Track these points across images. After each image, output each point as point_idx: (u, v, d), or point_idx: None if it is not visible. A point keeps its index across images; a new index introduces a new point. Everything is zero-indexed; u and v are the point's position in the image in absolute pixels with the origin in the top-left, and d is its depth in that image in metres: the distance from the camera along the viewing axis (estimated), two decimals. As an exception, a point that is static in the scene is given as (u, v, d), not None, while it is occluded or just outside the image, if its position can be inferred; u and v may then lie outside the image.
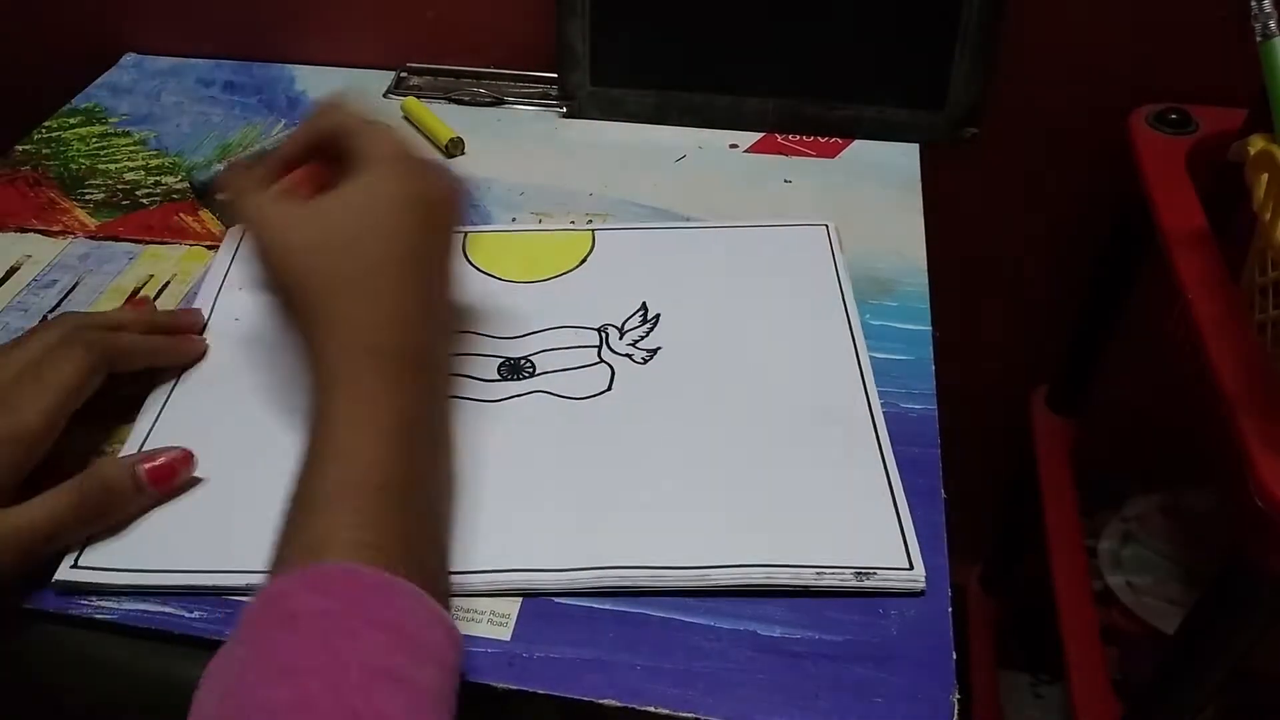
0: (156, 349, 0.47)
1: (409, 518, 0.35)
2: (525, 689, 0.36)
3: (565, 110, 0.69)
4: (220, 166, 0.62)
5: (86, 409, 0.42)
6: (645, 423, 0.45)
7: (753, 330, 0.50)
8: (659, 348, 0.49)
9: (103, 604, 0.39)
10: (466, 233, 0.56)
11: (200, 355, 0.49)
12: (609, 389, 0.47)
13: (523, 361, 0.49)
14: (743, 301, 0.52)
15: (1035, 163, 0.72)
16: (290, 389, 0.46)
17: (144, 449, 0.44)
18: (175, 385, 0.47)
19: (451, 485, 0.41)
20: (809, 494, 0.42)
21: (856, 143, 0.65)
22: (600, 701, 0.36)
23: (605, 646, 0.37)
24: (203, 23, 0.76)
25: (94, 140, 0.68)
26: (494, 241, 0.56)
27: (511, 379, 0.48)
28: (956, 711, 0.35)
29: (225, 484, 0.43)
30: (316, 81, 0.73)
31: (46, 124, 0.69)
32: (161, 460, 0.41)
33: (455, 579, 0.38)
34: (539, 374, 0.48)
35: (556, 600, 0.39)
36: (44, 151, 0.66)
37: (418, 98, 0.70)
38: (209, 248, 0.58)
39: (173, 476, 0.41)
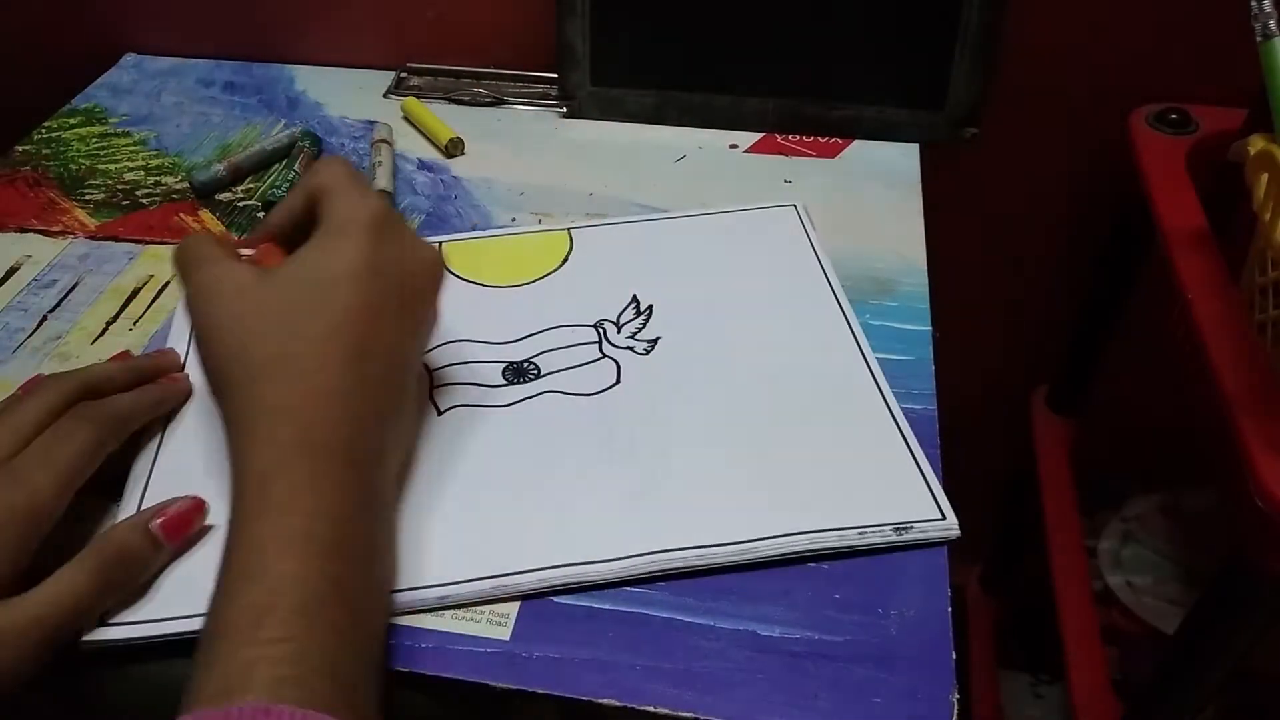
0: (154, 402, 0.44)
1: (331, 637, 0.32)
2: (525, 689, 0.36)
3: (565, 110, 0.69)
4: (220, 167, 0.62)
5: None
6: (661, 411, 0.46)
7: (746, 311, 0.51)
8: (658, 338, 0.50)
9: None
10: (441, 243, 0.56)
11: (189, 394, 0.46)
12: (618, 382, 0.48)
13: (526, 364, 0.49)
14: (730, 284, 0.53)
15: (1035, 163, 0.72)
16: None
17: (145, 499, 0.42)
18: (164, 431, 0.45)
19: (387, 590, 0.37)
20: (834, 459, 0.43)
21: (856, 143, 0.66)
22: (600, 701, 0.36)
23: (605, 646, 0.37)
24: (203, 23, 0.76)
25: (94, 140, 0.68)
26: (470, 249, 0.56)
27: (518, 382, 0.48)
28: (956, 711, 0.35)
29: None
30: (316, 81, 0.73)
31: (46, 124, 0.69)
32: (173, 512, 0.39)
33: (508, 580, 0.38)
34: (545, 374, 0.48)
35: (556, 600, 0.39)
36: (44, 152, 0.66)
37: (418, 98, 0.70)
38: (209, 248, 0.58)
39: (187, 528, 0.39)
